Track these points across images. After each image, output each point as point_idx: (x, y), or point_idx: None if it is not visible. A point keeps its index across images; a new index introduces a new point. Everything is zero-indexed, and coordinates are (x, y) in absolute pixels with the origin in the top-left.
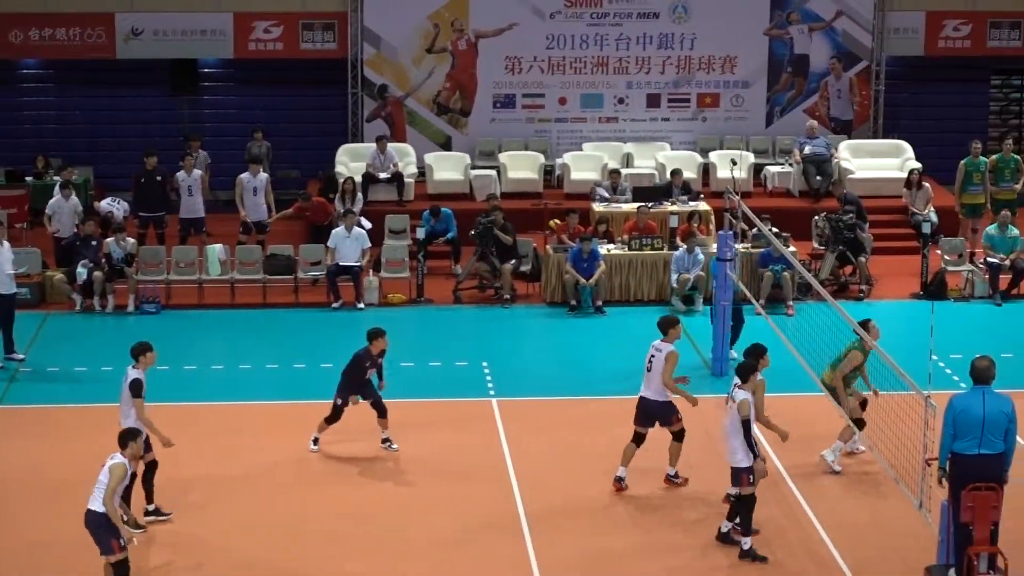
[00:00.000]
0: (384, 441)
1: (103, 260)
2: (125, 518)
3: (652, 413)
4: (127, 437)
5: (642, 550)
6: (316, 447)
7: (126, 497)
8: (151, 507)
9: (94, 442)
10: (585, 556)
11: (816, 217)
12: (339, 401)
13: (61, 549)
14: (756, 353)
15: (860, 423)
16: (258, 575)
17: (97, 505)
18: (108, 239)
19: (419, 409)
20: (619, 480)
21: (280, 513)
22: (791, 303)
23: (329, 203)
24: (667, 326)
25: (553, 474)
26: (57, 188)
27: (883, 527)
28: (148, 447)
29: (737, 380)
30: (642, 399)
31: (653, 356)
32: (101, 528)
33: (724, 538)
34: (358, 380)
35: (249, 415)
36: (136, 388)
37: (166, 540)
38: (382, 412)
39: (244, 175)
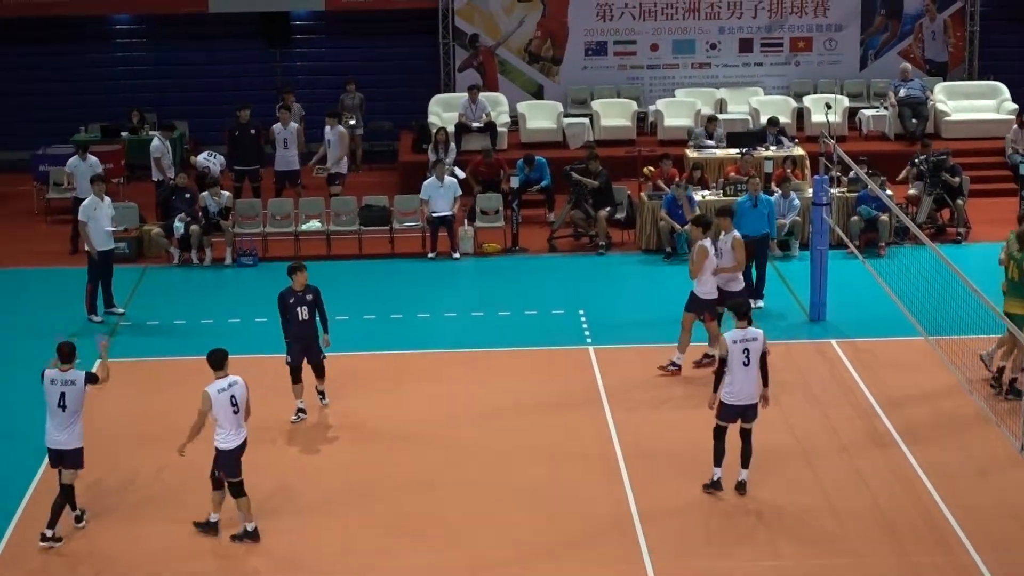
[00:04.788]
0: (319, 393)
1: (199, 214)
2: None
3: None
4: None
5: (735, 496)
6: (298, 417)
7: None
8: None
9: (194, 392)
10: (683, 502)
11: (912, 160)
12: (287, 359)
13: (163, 501)
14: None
15: None
16: (346, 520)
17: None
18: (204, 193)
19: (516, 358)
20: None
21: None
22: (883, 244)
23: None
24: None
25: (651, 420)
26: (76, 149)
27: (985, 472)
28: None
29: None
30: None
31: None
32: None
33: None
34: (291, 322)
35: (348, 366)
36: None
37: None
38: (319, 373)
39: (276, 125)
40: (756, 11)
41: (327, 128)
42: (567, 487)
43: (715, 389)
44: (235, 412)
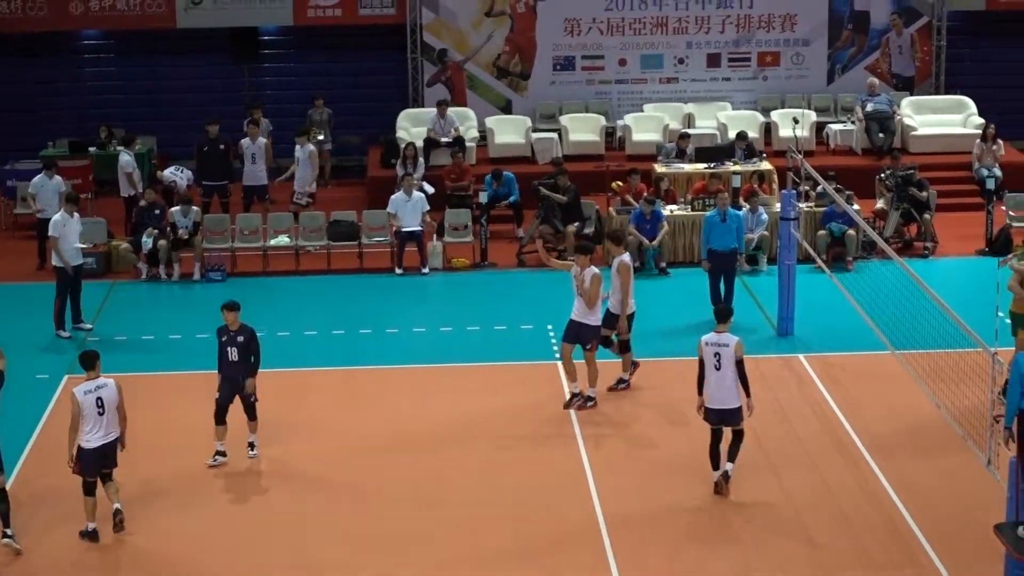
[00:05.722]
0: (249, 445)
1: (168, 229)
2: None
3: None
4: None
5: (704, 507)
6: (215, 460)
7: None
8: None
9: (161, 409)
10: (649, 513)
11: (880, 174)
12: (216, 396)
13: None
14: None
15: None
16: (324, 540)
17: None
18: (173, 208)
19: (485, 373)
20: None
21: (345, 480)
22: (851, 259)
23: None
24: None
25: (618, 433)
26: (42, 167)
27: (952, 486)
28: None
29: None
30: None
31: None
32: None
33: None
34: (222, 362)
35: (316, 381)
36: None
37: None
38: (250, 414)
39: (244, 140)
40: (724, 26)
41: (297, 147)
42: (535, 499)
43: (699, 392)
44: (100, 413)
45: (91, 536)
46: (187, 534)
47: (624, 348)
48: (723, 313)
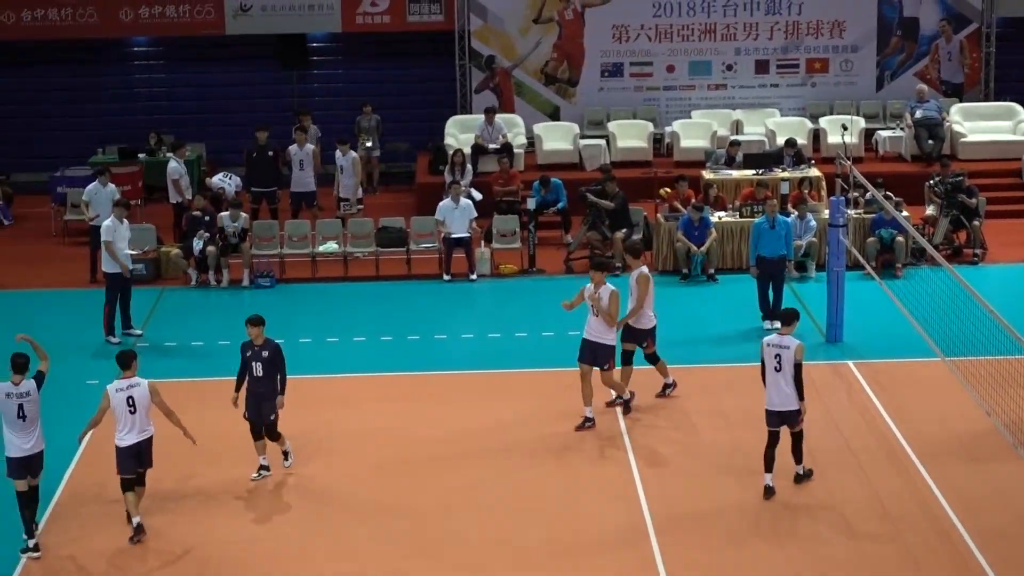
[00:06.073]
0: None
1: (217, 235)
2: None
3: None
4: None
5: (751, 510)
6: (259, 475)
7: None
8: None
9: (209, 414)
10: (698, 518)
11: (929, 181)
12: (245, 413)
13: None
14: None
15: None
16: (359, 548)
17: None
18: (222, 214)
19: (533, 379)
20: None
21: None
22: (900, 265)
23: None
24: None
25: (666, 438)
26: (96, 174)
27: (1003, 494)
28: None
29: (778, 326)
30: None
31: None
32: None
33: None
34: (247, 378)
35: (365, 387)
36: None
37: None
38: (272, 435)
39: (292, 147)
40: (772, 32)
41: (338, 154)
42: (583, 502)
43: (765, 386)
44: (131, 412)
45: (137, 530)
46: (233, 539)
47: (654, 360)
48: (788, 316)
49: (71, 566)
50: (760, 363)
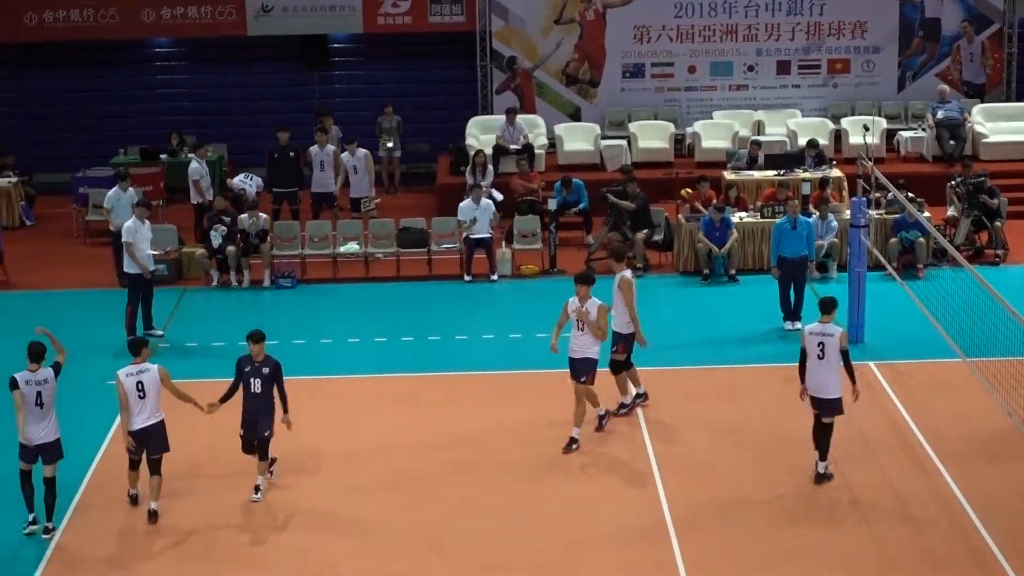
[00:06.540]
0: (255, 488)
1: (237, 236)
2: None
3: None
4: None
5: (769, 509)
6: (258, 496)
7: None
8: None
9: (231, 415)
10: (718, 519)
11: (951, 182)
12: (240, 431)
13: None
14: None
15: None
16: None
17: None
18: (242, 215)
19: (556, 380)
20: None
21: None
22: (921, 266)
23: None
24: None
25: (686, 439)
26: (116, 180)
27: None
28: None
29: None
30: None
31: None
32: None
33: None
34: (235, 391)
35: (385, 388)
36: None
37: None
38: (263, 453)
39: (313, 148)
40: (794, 33)
41: (346, 155)
42: (603, 502)
43: (801, 380)
44: (140, 396)
45: (132, 500)
46: (257, 542)
47: (622, 367)
48: (828, 304)
49: (95, 555)
50: (800, 350)
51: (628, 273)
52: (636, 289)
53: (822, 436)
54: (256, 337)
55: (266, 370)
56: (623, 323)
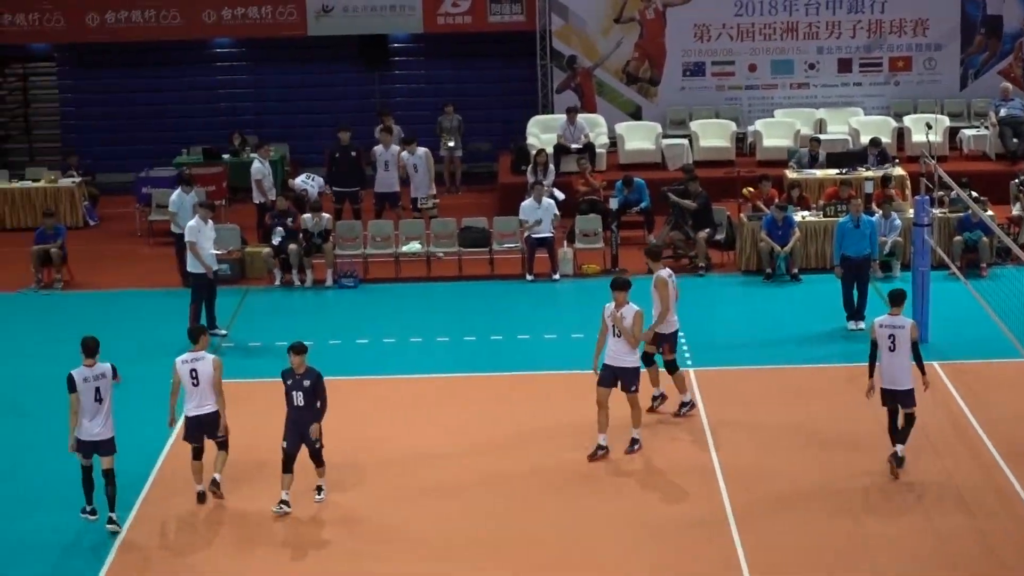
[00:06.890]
0: (316, 488)
1: (300, 235)
2: None
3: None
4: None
5: (828, 506)
6: (280, 509)
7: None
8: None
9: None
10: (781, 519)
11: (1015, 180)
12: (283, 444)
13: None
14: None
15: None
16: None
17: None
18: (305, 215)
19: None
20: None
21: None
22: (985, 265)
23: None
24: None
25: (749, 437)
26: (179, 183)
27: None
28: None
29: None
30: None
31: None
32: None
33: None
34: (289, 407)
35: (448, 387)
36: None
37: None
38: (318, 460)
39: (377, 147)
40: (855, 31)
41: (405, 154)
42: (664, 496)
43: (870, 375)
44: (194, 384)
45: (199, 498)
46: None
47: (671, 369)
48: (897, 296)
49: (161, 545)
50: (871, 343)
51: (664, 272)
52: (698, 289)
53: (905, 427)
54: (299, 349)
55: (307, 383)
56: (663, 323)
